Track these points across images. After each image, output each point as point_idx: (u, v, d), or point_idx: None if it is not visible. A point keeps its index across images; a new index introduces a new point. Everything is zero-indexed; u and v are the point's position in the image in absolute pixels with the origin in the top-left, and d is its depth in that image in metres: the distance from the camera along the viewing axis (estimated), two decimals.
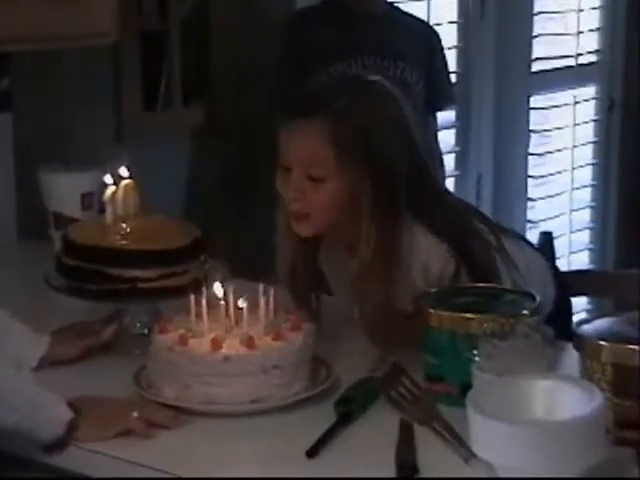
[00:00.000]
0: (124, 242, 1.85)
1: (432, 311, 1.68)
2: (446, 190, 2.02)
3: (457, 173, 3.64)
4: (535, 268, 1.98)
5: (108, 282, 1.82)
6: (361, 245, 1.78)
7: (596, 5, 4.02)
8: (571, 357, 1.58)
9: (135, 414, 1.59)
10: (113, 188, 1.90)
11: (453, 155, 3.61)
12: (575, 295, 2.34)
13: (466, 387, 1.55)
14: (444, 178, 3.08)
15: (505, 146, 3.76)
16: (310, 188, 1.78)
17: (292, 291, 1.88)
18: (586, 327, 1.57)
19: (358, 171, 1.76)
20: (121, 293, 1.82)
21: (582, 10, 3.95)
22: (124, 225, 1.88)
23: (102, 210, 2.35)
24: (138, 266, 1.82)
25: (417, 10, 3.25)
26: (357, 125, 1.76)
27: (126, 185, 1.90)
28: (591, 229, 4.13)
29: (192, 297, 1.71)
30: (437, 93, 2.98)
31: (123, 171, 1.93)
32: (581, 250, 4.07)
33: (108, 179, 1.92)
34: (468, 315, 1.65)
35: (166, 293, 1.83)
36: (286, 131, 1.81)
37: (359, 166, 1.76)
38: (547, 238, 2.38)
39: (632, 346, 1.49)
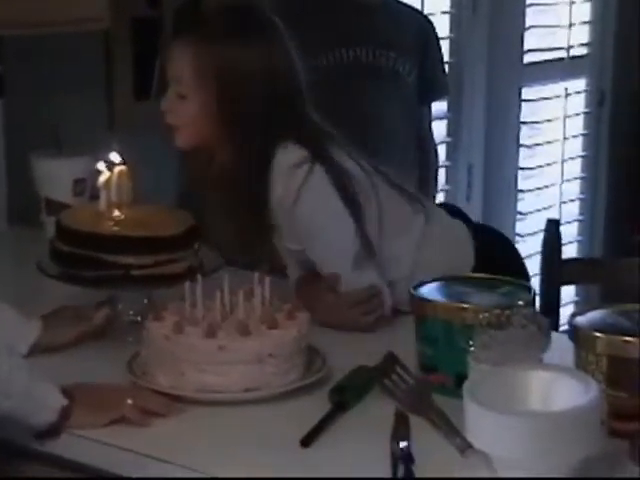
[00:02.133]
0: (118, 228, 1.84)
1: (427, 301, 1.69)
2: None
3: (448, 164, 3.64)
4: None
5: (102, 269, 1.81)
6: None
7: None
8: (566, 348, 1.58)
9: (129, 401, 1.58)
10: (107, 174, 1.89)
11: (444, 146, 3.61)
12: (563, 284, 2.36)
13: (461, 377, 1.56)
14: (437, 169, 3.08)
15: (496, 137, 3.76)
16: (178, 103, 1.98)
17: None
18: (581, 318, 1.57)
19: (211, 93, 1.94)
20: (115, 280, 1.82)
21: (574, 2, 3.96)
22: (118, 212, 1.87)
23: (93, 197, 2.35)
24: (133, 253, 1.81)
25: (411, 0, 3.25)
26: (216, 50, 1.94)
27: (120, 172, 1.90)
28: (580, 221, 4.14)
29: (187, 285, 1.71)
30: (431, 84, 2.97)
31: (115, 157, 1.92)
32: (570, 242, 4.08)
33: (101, 165, 1.91)
34: (464, 305, 1.65)
35: (161, 280, 1.83)
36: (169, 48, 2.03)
37: (212, 89, 1.94)
38: (554, 225, 2.39)
39: (627, 337, 1.49)
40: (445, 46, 3.49)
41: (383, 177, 2.04)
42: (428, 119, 3.03)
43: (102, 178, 1.89)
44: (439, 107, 3.41)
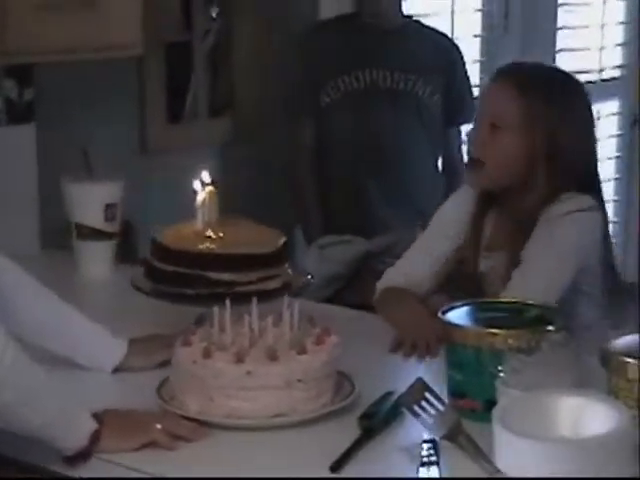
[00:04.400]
0: (220, 246, 1.86)
1: (456, 326, 1.68)
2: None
3: None
4: None
5: (205, 286, 1.83)
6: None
7: (620, 20, 4.01)
8: (597, 373, 1.56)
9: (158, 426, 1.58)
10: (203, 194, 1.91)
11: None
12: None
13: (490, 403, 1.54)
14: None
15: None
16: (490, 136, 1.99)
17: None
18: (612, 344, 1.55)
19: (538, 133, 1.97)
20: (220, 297, 1.79)
21: (605, 24, 3.94)
22: (216, 230, 1.88)
23: (125, 223, 2.37)
24: (237, 270, 1.83)
25: (441, 23, 3.25)
26: (548, 94, 1.99)
27: (209, 191, 1.91)
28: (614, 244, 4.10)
29: (215, 309, 1.70)
30: (458, 106, 2.97)
31: (206, 177, 1.93)
32: None
33: (197, 185, 1.92)
34: (493, 330, 1.64)
35: (261, 296, 1.80)
36: (483, 89, 2.13)
37: (540, 128, 1.97)
38: None
39: None
40: (476, 69, 3.49)
41: None
42: (457, 142, 3.02)
43: (199, 198, 1.91)
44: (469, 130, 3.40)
